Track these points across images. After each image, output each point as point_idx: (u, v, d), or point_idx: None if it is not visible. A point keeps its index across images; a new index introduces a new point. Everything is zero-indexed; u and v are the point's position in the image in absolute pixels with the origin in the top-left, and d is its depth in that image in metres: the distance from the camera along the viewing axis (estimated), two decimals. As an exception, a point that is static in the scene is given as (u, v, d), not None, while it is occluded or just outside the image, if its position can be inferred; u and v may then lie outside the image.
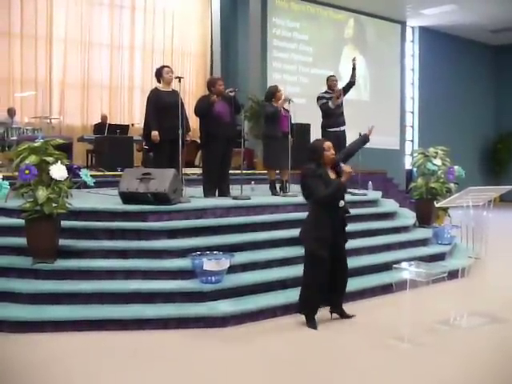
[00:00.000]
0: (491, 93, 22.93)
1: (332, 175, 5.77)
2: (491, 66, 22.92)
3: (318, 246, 5.63)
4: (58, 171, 5.90)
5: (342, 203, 5.74)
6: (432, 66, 20.55)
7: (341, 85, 9.95)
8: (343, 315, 6.05)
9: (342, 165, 5.83)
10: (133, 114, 15.32)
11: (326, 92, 9.72)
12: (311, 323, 5.75)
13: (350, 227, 8.06)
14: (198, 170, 11.49)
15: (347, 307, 6.39)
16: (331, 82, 9.74)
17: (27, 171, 5.75)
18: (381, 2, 17.68)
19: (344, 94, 9.71)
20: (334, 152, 5.81)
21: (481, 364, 4.88)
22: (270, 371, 4.68)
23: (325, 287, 5.74)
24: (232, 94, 8.64)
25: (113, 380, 4.48)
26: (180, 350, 5.14)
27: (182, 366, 4.75)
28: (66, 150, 7.21)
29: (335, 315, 6.06)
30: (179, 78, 8.01)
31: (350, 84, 9.79)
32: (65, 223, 6.34)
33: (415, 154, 10.68)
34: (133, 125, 13.88)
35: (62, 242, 6.26)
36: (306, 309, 5.81)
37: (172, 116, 7.89)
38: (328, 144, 5.81)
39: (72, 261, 6.20)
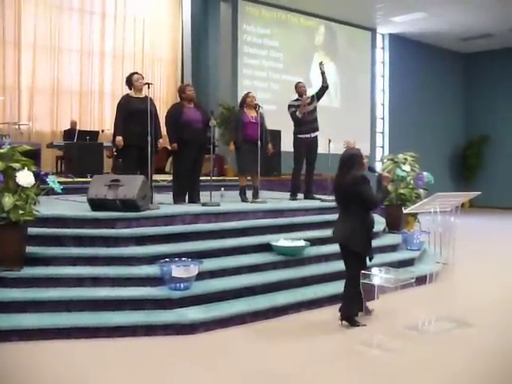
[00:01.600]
0: (461, 99, 23.17)
1: None
2: (461, 73, 23.17)
3: (367, 248, 6.01)
4: (25, 178, 5.84)
5: None
6: (402, 72, 20.70)
7: (312, 91, 10.00)
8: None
9: (379, 170, 6.26)
10: (103, 121, 15.18)
11: (296, 100, 9.77)
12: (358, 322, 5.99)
13: (320, 233, 8.18)
14: (169, 177, 11.46)
15: (316, 313, 6.44)
16: (300, 88, 9.79)
17: (-7, 178, 5.68)
18: (351, 10, 17.77)
19: (318, 100, 9.79)
20: (366, 160, 6.20)
21: (449, 369, 4.91)
22: (239, 379, 4.67)
23: None
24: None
25: (79, 389, 4.45)
26: (148, 357, 5.10)
27: (150, 374, 4.72)
28: (34, 156, 7.12)
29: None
30: (148, 84, 7.99)
31: (323, 89, 9.84)
32: (32, 230, 6.26)
33: (385, 160, 10.76)
34: (103, 131, 13.79)
35: (30, 249, 6.18)
36: (355, 310, 6.02)
37: (141, 122, 7.84)
38: (362, 152, 6.17)
39: (39, 268, 6.12)
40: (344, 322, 6.02)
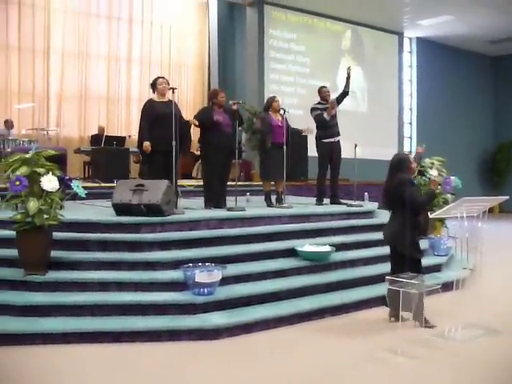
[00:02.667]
0: (490, 103, 22.93)
1: None
2: (489, 76, 22.93)
3: (413, 250, 6.10)
4: (49, 182, 5.87)
5: None
6: (430, 76, 20.54)
7: (334, 95, 9.96)
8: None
9: (431, 174, 6.33)
10: (130, 126, 15.31)
11: (319, 103, 9.73)
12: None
13: (346, 238, 8.13)
14: (195, 182, 11.50)
15: (340, 319, 6.40)
16: (324, 93, 9.74)
17: (18, 182, 5.71)
18: (378, 13, 17.68)
19: (338, 105, 9.72)
20: (416, 165, 6.44)
21: (476, 376, 4.83)
22: (261, 383, 4.65)
23: None
24: (235, 107, 8.66)
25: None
26: (172, 362, 5.09)
27: (174, 379, 4.71)
28: (59, 161, 7.19)
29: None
30: (172, 89, 7.99)
31: (344, 94, 9.81)
32: (57, 235, 6.29)
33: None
34: (130, 136, 13.87)
35: (54, 253, 6.21)
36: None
37: (166, 126, 7.79)
38: (411, 157, 6.40)
39: (64, 272, 6.15)
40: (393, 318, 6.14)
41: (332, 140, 9.60)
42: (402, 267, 5.96)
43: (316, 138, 9.73)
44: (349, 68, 9.88)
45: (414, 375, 4.86)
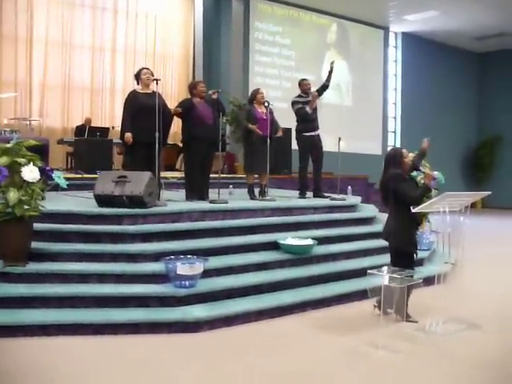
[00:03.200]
0: (474, 99, 23.04)
1: None
2: (474, 72, 23.04)
3: (408, 245, 6.11)
4: (30, 173, 5.80)
5: None
6: (415, 71, 20.60)
7: (314, 88, 9.94)
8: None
9: (423, 169, 6.38)
10: (114, 117, 15.15)
11: (299, 96, 9.73)
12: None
13: (328, 232, 8.13)
14: (178, 174, 11.44)
15: (322, 313, 6.40)
16: (305, 85, 9.75)
17: (-2, 172, 5.66)
18: (364, 8, 17.70)
19: (318, 97, 9.70)
20: (410, 159, 6.29)
21: (457, 370, 4.85)
22: (241, 377, 4.63)
23: None
24: (215, 96, 8.63)
25: (81, 386, 4.41)
26: (153, 355, 5.06)
27: (154, 372, 4.68)
28: (41, 151, 7.11)
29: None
30: (156, 80, 7.94)
31: (324, 87, 9.83)
32: (38, 226, 6.23)
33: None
34: (113, 127, 13.72)
35: (35, 244, 6.14)
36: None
37: (149, 118, 7.75)
38: (405, 152, 6.25)
39: (44, 264, 6.08)
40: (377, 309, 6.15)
41: (313, 134, 9.60)
42: (396, 262, 6.00)
43: (296, 131, 9.74)
44: (332, 62, 9.90)
45: (395, 369, 4.87)
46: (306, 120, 9.54)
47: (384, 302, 5.81)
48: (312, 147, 9.64)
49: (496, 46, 21.64)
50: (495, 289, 7.97)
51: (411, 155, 6.52)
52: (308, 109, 9.48)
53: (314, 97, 9.54)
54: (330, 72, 9.80)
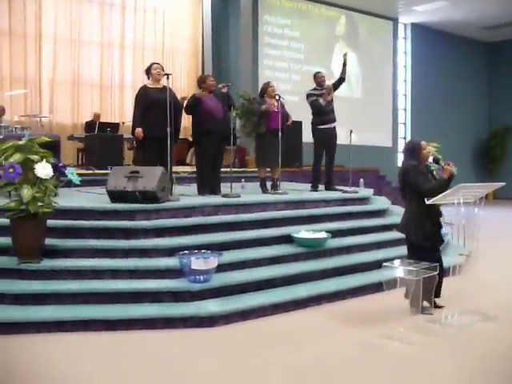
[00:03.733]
0: (484, 89, 22.91)
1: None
2: (484, 62, 22.91)
3: (424, 238, 5.93)
4: (43, 169, 5.80)
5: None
6: (424, 62, 20.51)
7: (330, 81, 9.91)
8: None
9: (443, 163, 6.15)
10: (124, 112, 15.19)
11: (314, 89, 9.69)
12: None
13: (341, 225, 8.11)
14: (189, 168, 11.44)
15: (337, 306, 6.38)
16: (319, 78, 9.71)
17: (11, 169, 5.65)
18: (373, -1, 17.63)
19: (334, 91, 9.68)
20: (429, 150, 6.22)
21: (472, 362, 4.82)
22: (257, 371, 4.61)
23: None
24: (225, 90, 8.61)
25: (98, 381, 4.40)
26: (167, 350, 5.06)
27: (169, 367, 4.67)
28: (53, 148, 7.12)
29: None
30: (167, 75, 7.90)
31: (340, 80, 9.79)
32: (51, 222, 6.23)
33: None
34: (123, 123, 13.76)
35: (49, 241, 6.16)
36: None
37: (160, 113, 7.76)
38: (424, 143, 6.17)
39: (58, 260, 6.09)
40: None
41: (328, 126, 9.56)
42: (411, 255, 5.96)
43: (312, 124, 9.70)
44: (345, 54, 9.87)
45: (411, 361, 4.84)
46: (321, 112, 9.50)
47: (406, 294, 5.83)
48: (327, 140, 9.60)
49: (505, 36, 21.49)
50: (510, 280, 7.93)
51: (430, 147, 6.47)
52: (322, 101, 9.45)
53: (329, 89, 9.51)
54: (344, 64, 9.77)
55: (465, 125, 21.50)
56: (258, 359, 4.87)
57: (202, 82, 8.68)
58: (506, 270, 8.62)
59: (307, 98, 9.67)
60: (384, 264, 5.65)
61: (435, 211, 6.06)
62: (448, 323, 5.76)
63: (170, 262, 6.18)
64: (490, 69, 22.95)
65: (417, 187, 5.90)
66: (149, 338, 5.32)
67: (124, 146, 12.77)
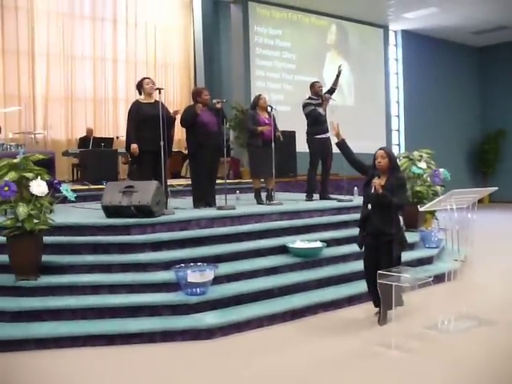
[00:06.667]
0: (476, 94, 22.98)
1: (382, 181, 6.11)
2: (475, 67, 22.98)
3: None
4: (38, 187, 5.84)
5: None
6: (416, 69, 20.57)
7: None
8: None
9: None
10: (118, 127, 15.26)
11: (310, 98, 9.72)
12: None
13: (337, 234, 8.14)
14: (185, 181, 11.47)
15: (333, 315, 6.41)
16: (317, 88, 9.75)
17: (7, 188, 5.68)
18: (363, 7, 17.67)
19: (330, 99, 9.73)
20: (380, 161, 6.13)
21: (470, 368, 4.85)
22: (256, 382, 4.63)
23: None
24: (219, 106, 8.66)
25: (97, 397, 4.43)
26: (166, 363, 5.08)
27: (169, 381, 4.70)
28: (48, 165, 7.14)
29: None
30: (159, 90, 7.96)
31: (332, 90, 9.86)
32: (47, 239, 6.26)
33: (400, 158, 10.67)
34: (118, 137, 13.80)
35: (45, 257, 6.19)
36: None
37: (153, 128, 7.80)
38: (379, 153, 6.18)
39: (55, 277, 6.12)
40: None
41: (324, 136, 9.60)
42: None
43: (308, 134, 9.73)
44: (340, 66, 9.96)
45: (408, 368, 4.87)
46: (318, 122, 9.55)
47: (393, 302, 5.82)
48: (323, 150, 9.65)
49: (496, 40, 21.56)
50: (506, 284, 7.96)
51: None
52: (321, 110, 9.52)
53: (327, 99, 9.57)
54: (338, 76, 9.85)
55: (458, 129, 21.55)
56: (257, 370, 4.89)
57: (197, 95, 8.69)
58: (501, 274, 8.63)
59: (304, 107, 9.70)
60: (379, 272, 5.63)
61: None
62: (445, 329, 5.78)
63: (167, 275, 6.21)
64: (481, 73, 23.02)
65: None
66: (148, 352, 5.34)
67: (119, 161, 12.81)
